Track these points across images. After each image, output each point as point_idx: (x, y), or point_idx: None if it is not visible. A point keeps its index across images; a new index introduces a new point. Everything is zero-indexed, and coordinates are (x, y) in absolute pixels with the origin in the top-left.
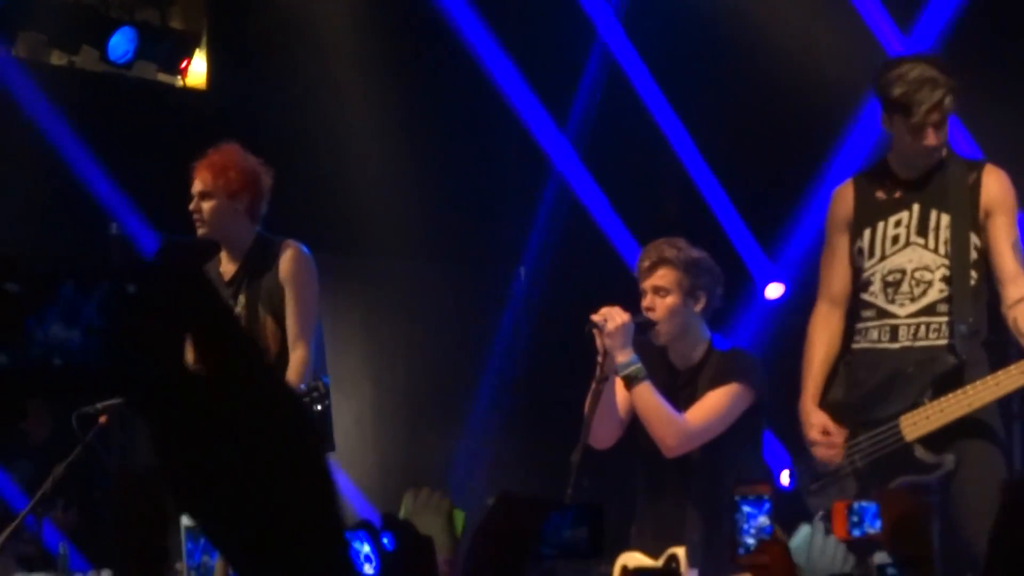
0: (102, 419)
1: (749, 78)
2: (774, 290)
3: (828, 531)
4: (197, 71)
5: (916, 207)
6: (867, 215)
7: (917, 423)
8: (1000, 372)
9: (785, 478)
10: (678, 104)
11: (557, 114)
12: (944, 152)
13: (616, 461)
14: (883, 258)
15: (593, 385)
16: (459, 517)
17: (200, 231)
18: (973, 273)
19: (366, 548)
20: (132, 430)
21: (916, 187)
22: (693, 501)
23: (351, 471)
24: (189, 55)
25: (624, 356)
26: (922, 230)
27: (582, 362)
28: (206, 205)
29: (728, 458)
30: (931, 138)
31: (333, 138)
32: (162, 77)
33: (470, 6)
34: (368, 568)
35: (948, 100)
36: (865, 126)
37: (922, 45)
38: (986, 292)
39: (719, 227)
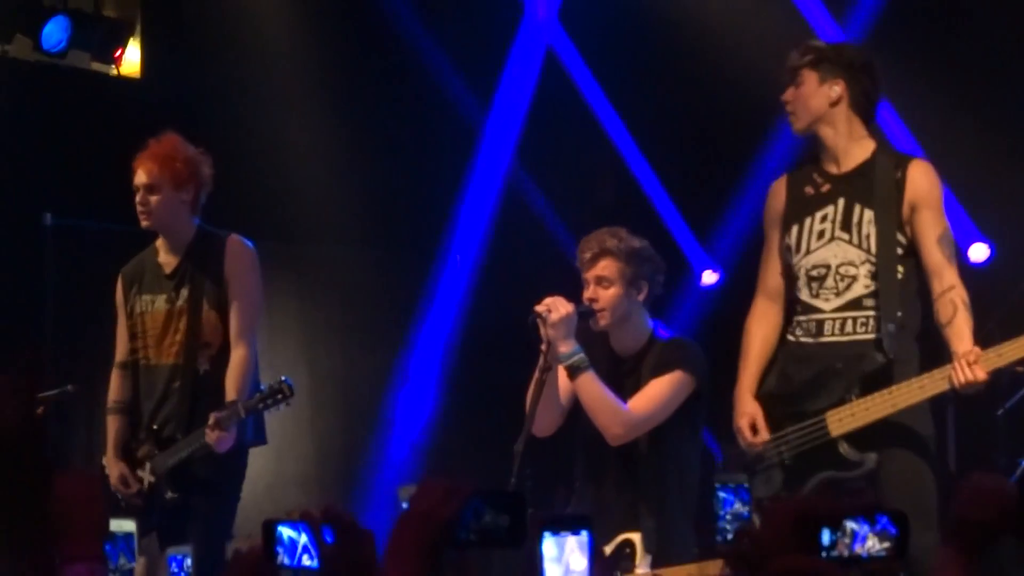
0: (39, 410)
1: (685, 67)
2: (708, 277)
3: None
4: (131, 60)
5: (841, 202)
6: (796, 210)
7: (843, 420)
8: (925, 376)
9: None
10: (613, 91)
11: (489, 100)
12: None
13: (558, 450)
14: (808, 253)
15: (536, 375)
16: None
17: (145, 224)
18: (900, 268)
19: (304, 539)
20: (68, 422)
21: (843, 182)
22: (640, 489)
23: (288, 459)
24: (123, 44)
25: (567, 346)
26: (846, 225)
27: (519, 348)
28: (153, 198)
29: (671, 446)
30: (786, 93)
31: (267, 126)
32: (96, 66)
33: None
34: (307, 560)
35: (801, 62)
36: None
37: (856, 36)
38: (915, 286)
39: (654, 214)
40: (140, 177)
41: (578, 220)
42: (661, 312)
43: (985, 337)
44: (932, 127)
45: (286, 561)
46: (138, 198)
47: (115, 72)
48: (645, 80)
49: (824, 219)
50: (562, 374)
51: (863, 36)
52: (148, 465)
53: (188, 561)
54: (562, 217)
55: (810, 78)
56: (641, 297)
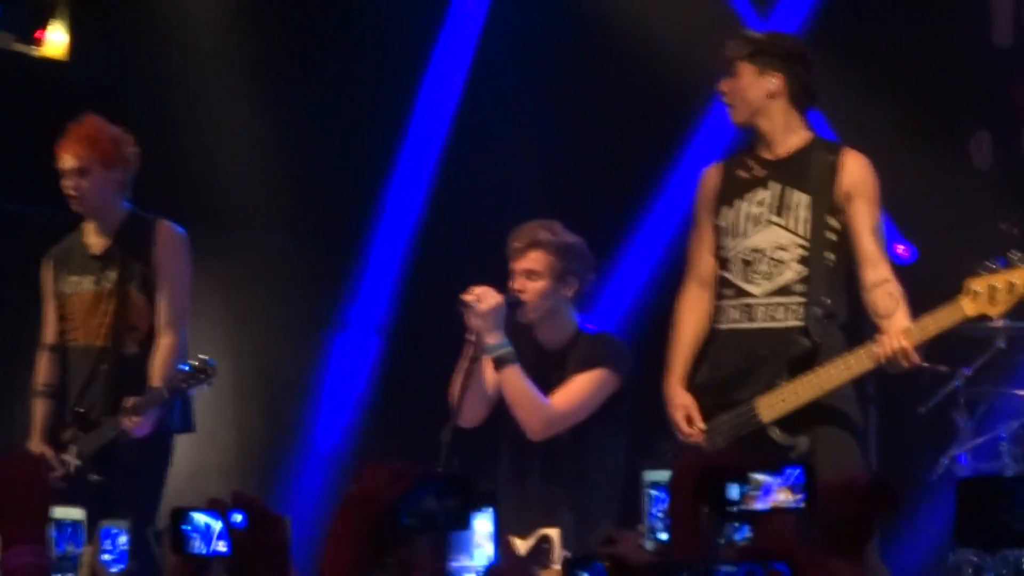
0: None
1: (608, 58)
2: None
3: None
4: (58, 41)
5: (776, 187)
6: (729, 194)
7: (773, 405)
8: (849, 355)
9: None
10: (537, 82)
11: (417, 87)
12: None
13: (486, 441)
14: (744, 237)
15: (464, 364)
16: None
17: (76, 208)
18: (830, 255)
19: (218, 526)
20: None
21: (777, 167)
22: (563, 484)
23: (210, 446)
24: (44, 24)
25: (494, 338)
26: (780, 210)
27: (447, 338)
28: (85, 181)
29: (594, 441)
30: (723, 84)
31: (194, 111)
32: (18, 47)
33: None
34: (221, 546)
35: (737, 53)
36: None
37: (783, 27)
38: (844, 274)
39: (578, 204)
40: (68, 161)
41: (506, 210)
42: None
43: None
44: (854, 123)
45: (201, 547)
46: (68, 183)
47: (38, 53)
48: (570, 71)
49: (760, 203)
50: (489, 365)
51: (788, 28)
52: (73, 448)
53: (123, 538)
54: (492, 206)
55: (747, 70)
56: (569, 292)
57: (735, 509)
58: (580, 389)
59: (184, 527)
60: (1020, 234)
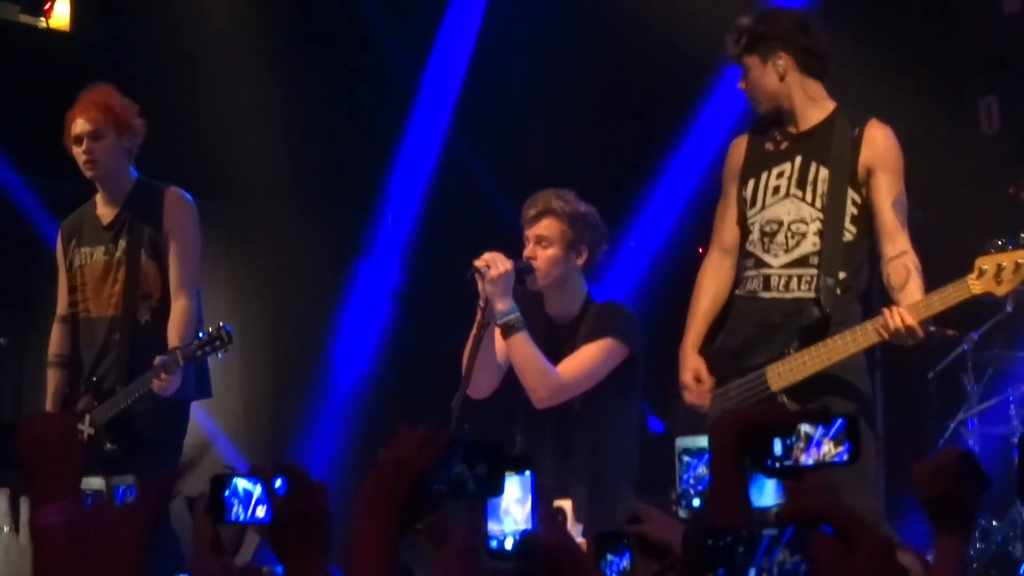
0: None
1: (620, 24)
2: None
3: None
4: (61, 13)
5: (798, 159)
6: (754, 165)
7: (782, 374)
8: (858, 327)
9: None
10: (546, 54)
11: (424, 59)
12: (792, 101)
13: (497, 409)
14: (763, 208)
15: (474, 331)
16: None
17: (90, 174)
18: (851, 228)
19: (258, 491)
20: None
21: (801, 140)
22: (575, 456)
23: (218, 416)
24: None
25: (504, 304)
26: (801, 182)
27: (456, 306)
28: (99, 145)
29: (606, 412)
30: (740, 83)
31: (199, 82)
32: (25, 19)
33: None
34: (260, 511)
35: (737, 49)
36: (733, 78)
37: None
38: (866, 248)
39: (584, 178)
40: (82, 126)
41: (512, 180)
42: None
43: None
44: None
45: (240, 514)
46: (83, 148)
47: (44, 25)
48: (579, 44)
49: (780, 175)
50: (498, 333)
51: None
52: (87, 417)
53: (129, 494)
54: (497, 176)
55: (753, 63)
56: (580, 262)
57: (779, 465)
58: (588, 358)
59: (225, 493)
60: None
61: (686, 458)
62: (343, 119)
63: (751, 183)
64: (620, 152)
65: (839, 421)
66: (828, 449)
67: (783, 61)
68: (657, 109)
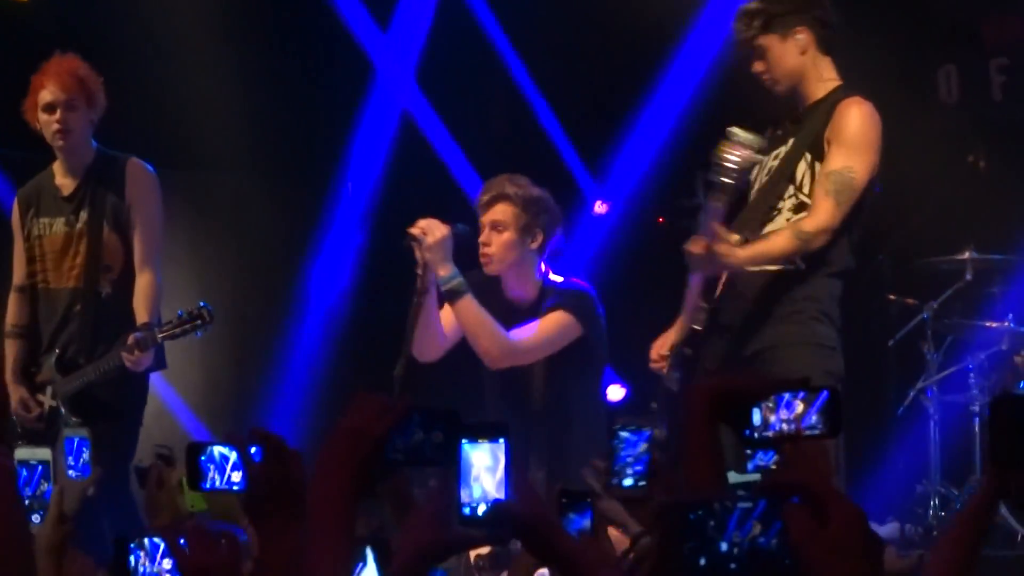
0: None
1: None
2: (599, 207)
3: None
4: None
5: (791, 141)
6: (765, 153)
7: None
8: None
9: (614, 393)
10: (509, 20)
11: (385, 26)
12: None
13: (443, 377)
14: (756, 188)
15: (414, 299)
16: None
17: (60, 143)
18: (803, 197)
19: (234, 457)
20: None
21: (798, 121)
22: (534, 441)
23: (177, 386)
24: None
25: (446, 270)
26: (789, 161)
27: (413, 276)
28: (73, 115)
29: (569, 397)
30: (755, 65)
31: (158, 50)
32: None
33: None
34: (236, 476)
35: (753, 31)
36: (695, 48)
37: None
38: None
39: (548, 145)
40: (55, 94)
41: (473, 150)
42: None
43: None
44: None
45: (216, 480)
46: (55, 117)
47: None
48: (541, 8)
49: (776, 157)
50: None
51: None
52: (49, 389)
53: (86, 449)
54: (458, 144)
55: (771, 42)
56: (535, 245)
57: (757, 435)
58: (541, 328)
59: (201, 460)
60: (986, 167)
61: (624, 434)
62: (302, 87)
63: (756, 168)
64: (581, 117)
65: (821, 393)
66: (808, 420)
67: (803, 36)
68: (618, 73)
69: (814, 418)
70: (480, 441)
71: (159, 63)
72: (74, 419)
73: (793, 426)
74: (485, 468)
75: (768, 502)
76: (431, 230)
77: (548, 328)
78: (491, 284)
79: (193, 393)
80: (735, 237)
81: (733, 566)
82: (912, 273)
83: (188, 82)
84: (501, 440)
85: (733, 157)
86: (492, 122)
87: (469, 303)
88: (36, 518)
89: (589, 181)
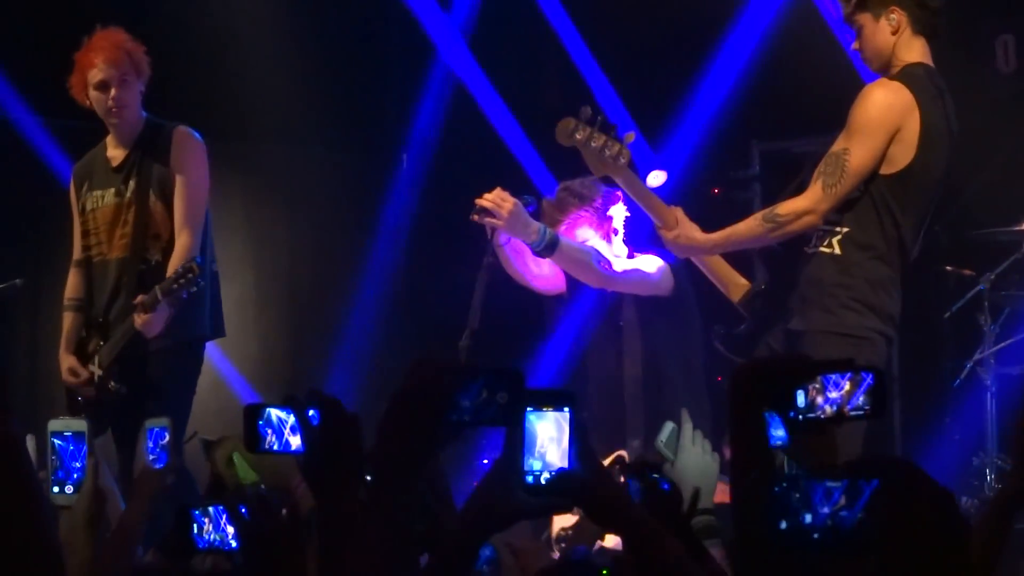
0: None
1: None
2: (655, 178)
3: (695, 426)
4: None
5: None
6: None
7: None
8: None
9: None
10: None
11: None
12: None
13: (505, 347)
14: None
15: (481, 272)
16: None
17: (115, 121)
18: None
19: (292, 420)
20: (14, 316)
21: None
22: (631, 406)
23: (233, 357)
24: None
25: (533, 232)
26: None
27: (468, 249)
28: (127, 92)
29: (666, 361)
30: (855, 43)
31: (216, 22)
32: None
33: None
34: (295, 441)
35: (849, 8)
36: (750, 19)
37: None
38: (871, 201)
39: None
40: (107, 72)
41: (527, 120)
42: None
43: None
44: None
45: (274, 443)
46: (111, 95)
47: None
48: None
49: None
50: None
51: None
52: (96, 359)
53: (166, 438)
54: (514, 115)
55: (865, 20)
56: (607, 228)
57: (801, 417)
58: (640, 263)
59: (259, 423)
60: None
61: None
62: (359, 59)
63: None
64: (636, 86)
65: (866, 374)
66: (855, 401)
67: (896, 15)
68: (675, 43)
69: (861, 399)
70: (545, 410)
71: (217, 35)
72: (115, 384)
73: (837, 407)
74: (549, 438)
75: (854, 480)
76: (502, 203)
77: (646, 264)
78: None
79: (249, 363)
80: (679, 218)
81: (816, 536)
82: (968, 244)
83: (249, 55)
84: (566, 409)
85: None
86: (546, 93)
87: (566, 248)
88: (69, 489)
89: (645, 151)
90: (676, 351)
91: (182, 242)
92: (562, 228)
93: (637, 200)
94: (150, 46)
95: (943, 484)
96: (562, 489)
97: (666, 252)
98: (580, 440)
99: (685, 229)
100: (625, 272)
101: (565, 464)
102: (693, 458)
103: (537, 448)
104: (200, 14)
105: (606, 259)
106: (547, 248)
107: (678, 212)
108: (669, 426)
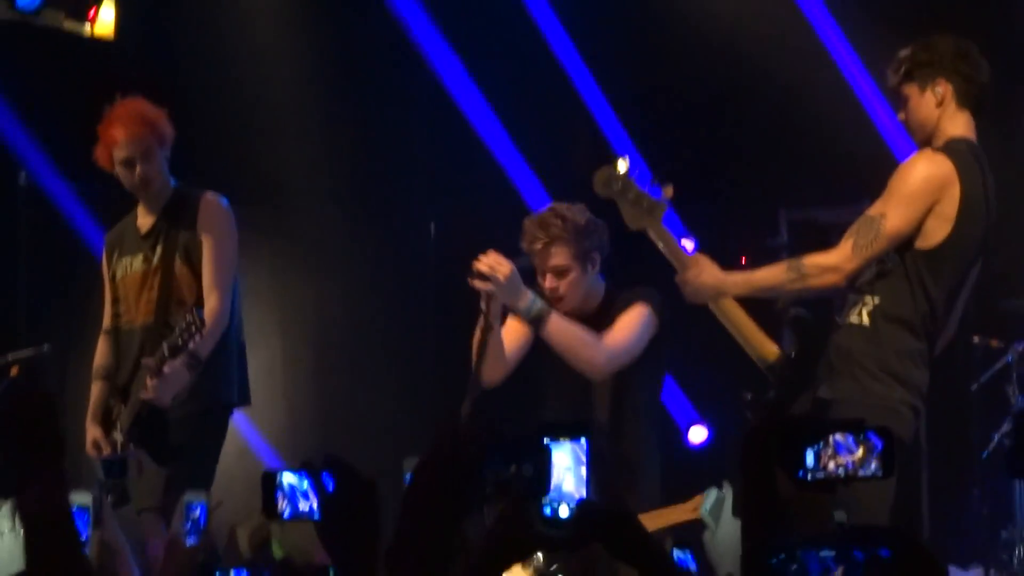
0: (13, 371)
1: (663, 35)
2: (684, 244)
3: (734, 510)
4: (106, 20)
5: None
6: None
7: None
8: None
9: (697, 435)
10: (589, 55)
11: (470, 66)
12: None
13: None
14: None
15: (477, 334)
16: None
17: (143, 195)
18: (895, 254)
19: (305, 485)
20: (41, 382)
21: None
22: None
23: (260, 423)
24: (97, 2)
25: (524, 299)
26: None
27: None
28: (152, 166)
29: (632, 407)
30: (900, 114)
31: (245, 88)
32: (69, 25)
33: None
34: (304, 505)
35: (896, 79)
36: (779, 84)
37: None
38: (904, 272)
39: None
40: (128, 149)
41: (555, 186)
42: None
43: None
44: None
45: (286, 509)
46: (136, 171)
47: (89, 31)
48: (623, 47)
49: None
50: (508, 328)
51: None
52: (118, 425)
53: (200, 511)
54: (541, 182)
55: (911, 91)
56: (596, 268)
57: (811, 477)
58: (627, 323)
59: (276, 490)
60: None
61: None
62: (388, 126)
63: None
64: (664, 152)
65: (873, 434)
66: (861, 461)
67: (942, 88)
68: (701, 113)
69: (874, 464)
70: (561, 440)
71: (246, 101)
72: (129, 448)
73: (844, 469)
74: (565, 468)
75: (852, 551)
76: (498, 267)
77: (633, 322)
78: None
79: (276, 428)
80: (699, 259)
81: None
82: (997, 313)
83: (275, 121)
84: (582, 439)
85: None
86: (574, 159)
87: (558, 322)
88: None
89: (674, 218)
90: (643, 398)
91: (211, 305)
92: (538, 246)
93: (667, 254)
94: (180, 109)
95: (971, 557)
96: (583, 520)
97: (650, 290)
98: (598, 470)
99: (705, 267)
100: (615, 350)
101: (583, 494)
102: (735, 528)
103: (553, 479)
104: (230, 79)
105: (601, 344)
106: (538, 318)
107: (701, 257)
108: (713, 493)
